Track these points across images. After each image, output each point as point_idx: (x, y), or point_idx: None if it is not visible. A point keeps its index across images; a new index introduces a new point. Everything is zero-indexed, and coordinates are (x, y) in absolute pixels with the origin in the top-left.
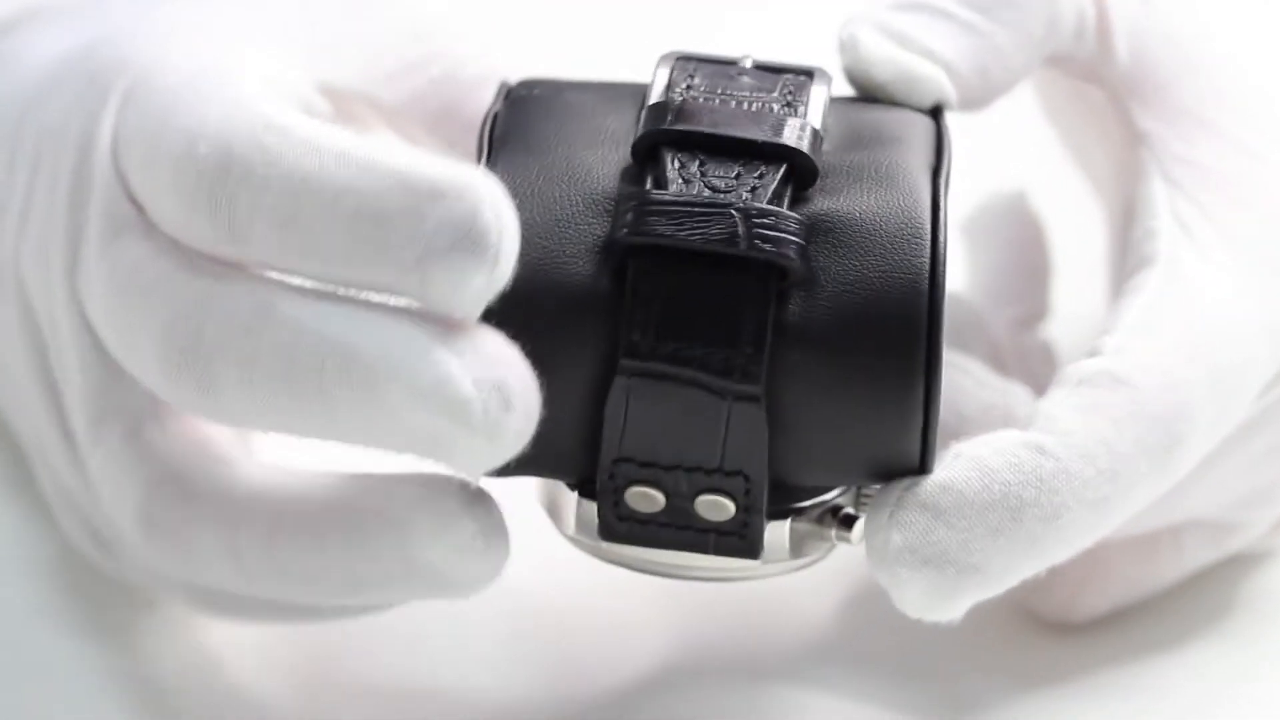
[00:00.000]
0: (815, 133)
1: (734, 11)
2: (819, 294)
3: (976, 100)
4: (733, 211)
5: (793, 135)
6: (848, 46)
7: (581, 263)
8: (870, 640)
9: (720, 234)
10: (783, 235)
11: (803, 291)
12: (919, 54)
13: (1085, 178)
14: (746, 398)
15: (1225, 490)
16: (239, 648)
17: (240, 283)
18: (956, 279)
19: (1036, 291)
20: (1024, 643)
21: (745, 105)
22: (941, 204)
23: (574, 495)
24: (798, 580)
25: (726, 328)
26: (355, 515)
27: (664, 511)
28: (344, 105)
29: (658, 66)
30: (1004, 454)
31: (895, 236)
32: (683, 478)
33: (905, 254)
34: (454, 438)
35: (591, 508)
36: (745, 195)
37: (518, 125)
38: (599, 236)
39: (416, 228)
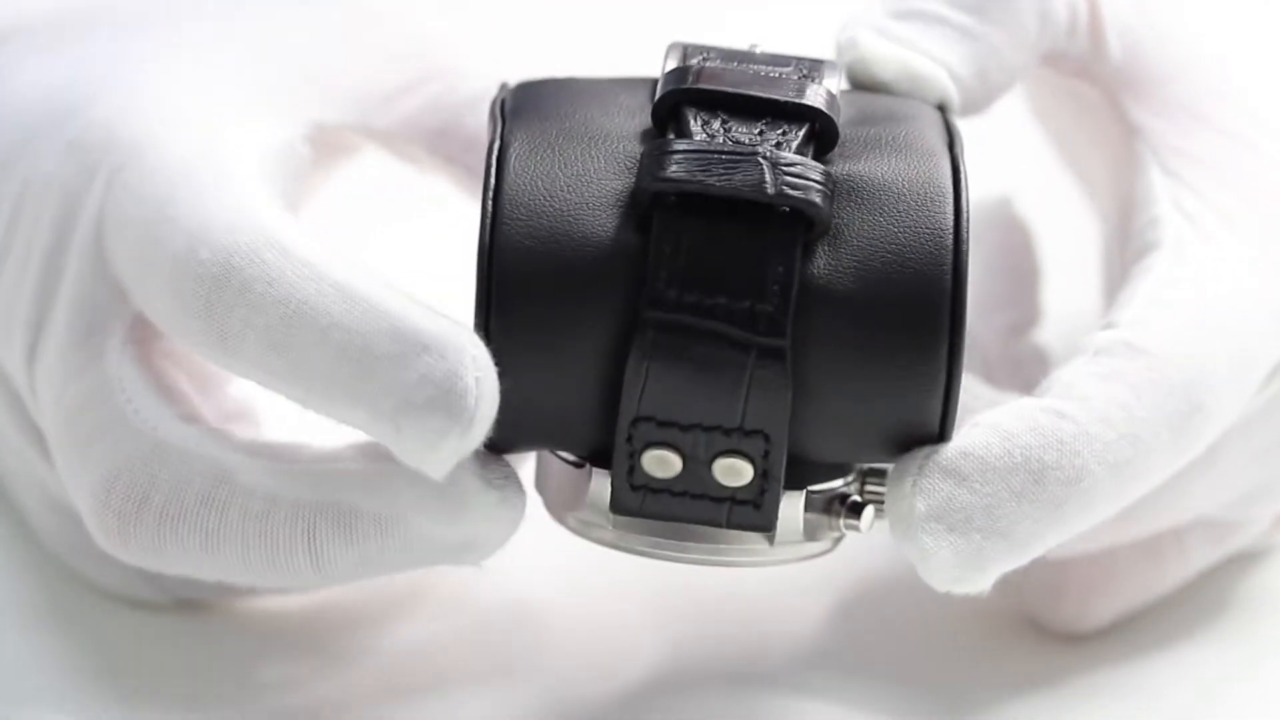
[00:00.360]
0: (834, 97)
1: (733, 13)
2: (843, 250)
3: (978, 103)
4: (760, 159)
5: (814, 97)
6: (848, 47)
7: (605, 216)
8: (866, 646)
9: (747, 180)
10: (810, 183)
11: (827, 247)
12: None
13: (1077, 178)
14: (771, 351)
15: (1227, 487)
16: (227, 657)
17: (194, 442)
18: None
19: (1027, 297)
20: (1019, 646)
21: (764, 74)
22: (961, 167)
23: (581, 473)
24: (793, 585)
25: (752, 279)
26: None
27: (680, 477)
28: (337, 137)
29: (668, 53)
30: (1023, 419)
31: (919, 196)
32: (701, 438)
33: (929, 212)
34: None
35: (603, 483)
36: (770, 148)
37: (530, 101)
38: (621, 192)
39: (397, 378)
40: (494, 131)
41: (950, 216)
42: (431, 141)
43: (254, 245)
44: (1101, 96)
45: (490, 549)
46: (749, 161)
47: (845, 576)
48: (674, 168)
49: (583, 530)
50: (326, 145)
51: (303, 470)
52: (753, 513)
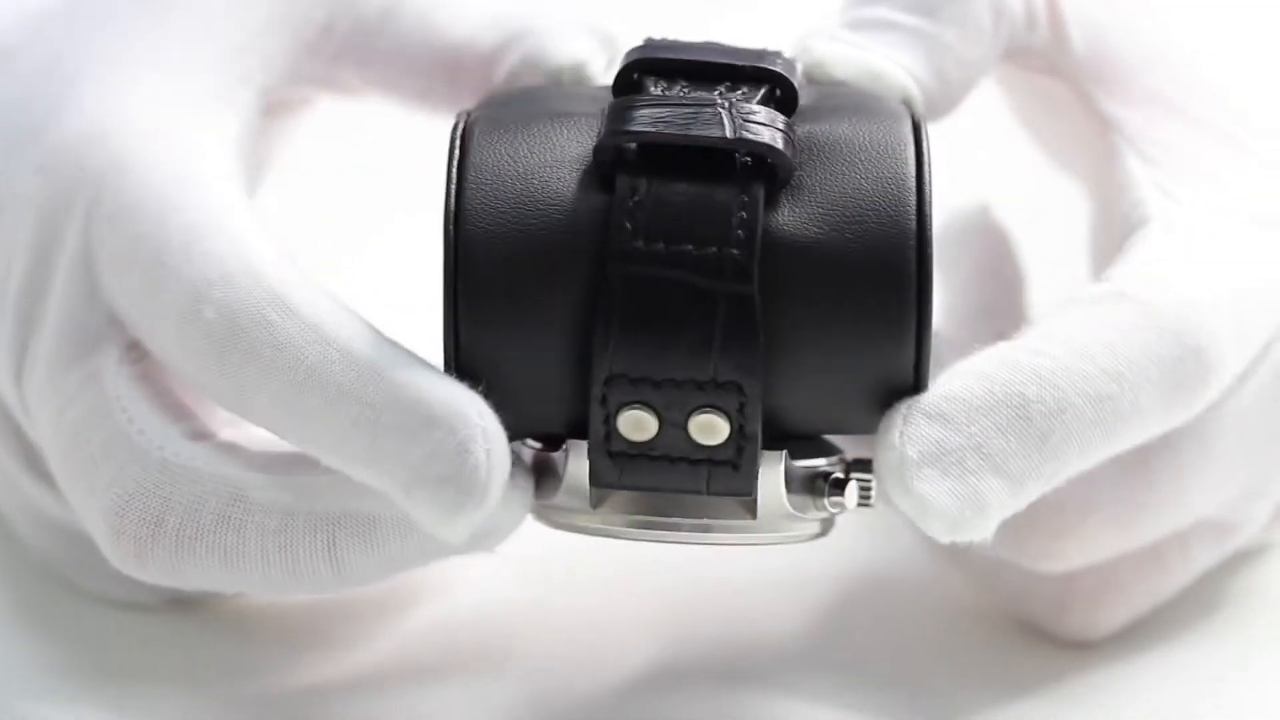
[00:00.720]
0: (793, 63)
1: (716, 23)
2: (808, 201)
3: (939, 103)
4: (719, 108)
5: (773, 62)
6: (801, 54)
7: (569, 176)
8: (856, 645)
9: (707, 128)
10: (771, 128)
11: (791, 198)
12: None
13: (1064, 172)
14: (739, 298)
15: (1226, 485)
16: (217, 655)
17: (204, 461)
18: None
19: (1013, 301)
20: (1011, 644)
21: (724, 47)
22: (923, 124)
23: (557, 456)
24: (783, 586)
25: (717, 225)
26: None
27: (656, 440)
28: (286, 94)
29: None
30: (1000, 358)
31: (881, 148)
32: (675, 395)
33: (892, 162)
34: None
35: (580, 463)
36: (730, 99)
37: (494, 99)
38: (584, 155)
39: (408, 452)
40: (459, 116)
41: (912, 164)
42: (362, 72)
43: (257, 305)
44: (1071, 91)
45: (504, 535)
46: (709, 110)
47: (835, 576)
48: (634, 124)
49: (563, 519)
50: (279, 105)
51: (317, 482)
52: (732, 475)
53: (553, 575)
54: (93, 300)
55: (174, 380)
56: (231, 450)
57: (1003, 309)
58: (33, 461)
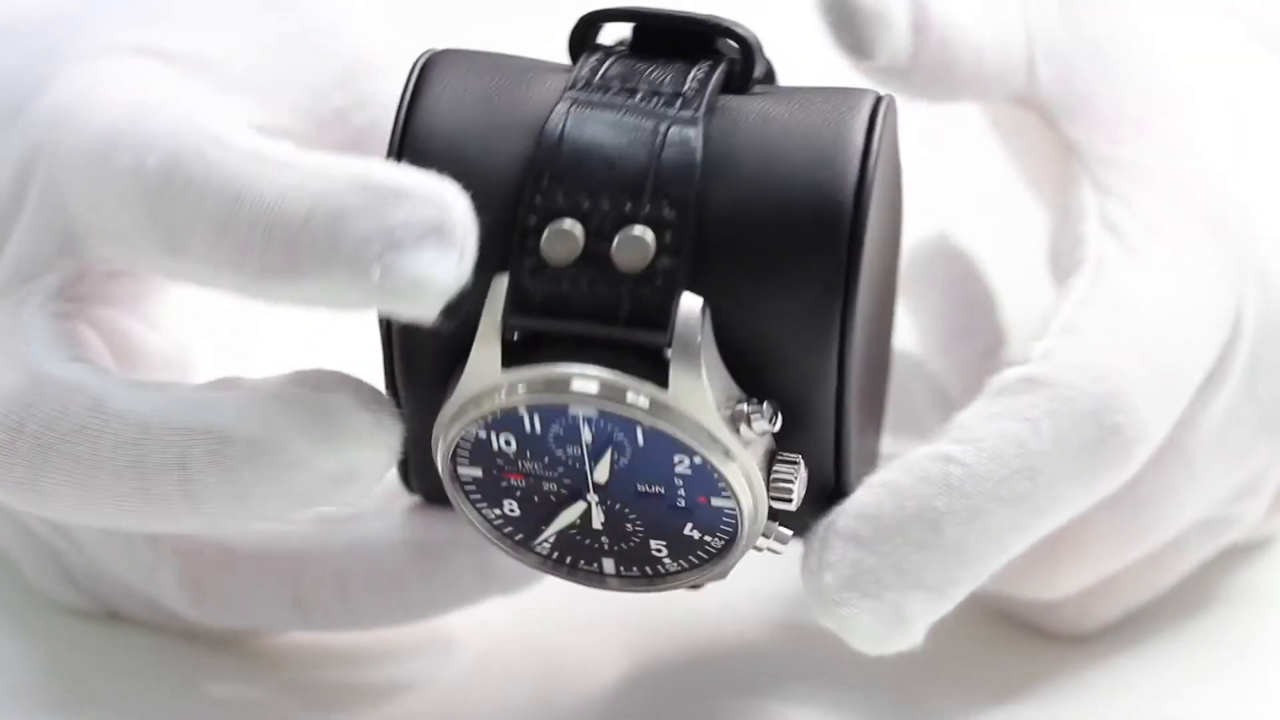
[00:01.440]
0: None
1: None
2: (748, 119)
3: (929, 74)
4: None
5: (733, 23)
6: None
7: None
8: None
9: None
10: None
11: (722, 173)
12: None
13: (1033, 194)
14: (685, 120)
15: (1217, 489)
16: (222, 678)
17: (76, 375)
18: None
19: (987, 321)
20: (1000, 643)
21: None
22: (883, 105)
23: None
24: (762, 586)
25: (674, 76)
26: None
27: (580, 260)
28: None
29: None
30: (912, 470)
31: (830, 117)
32: (607, 204)
33: (838, 131)
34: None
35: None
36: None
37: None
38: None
39: (380, 222)
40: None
41: (860, 143)
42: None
43: (198, 144)
44: (1039, 120)
45: (369, 481)
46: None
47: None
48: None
49: (466, 414)
50: None
51: (177, 397)
52: (650, 297)
53: (524, 604)
54: (51, 226)
55: (100, 333)
56: (109, 370)
57: (979, 330)
58: None
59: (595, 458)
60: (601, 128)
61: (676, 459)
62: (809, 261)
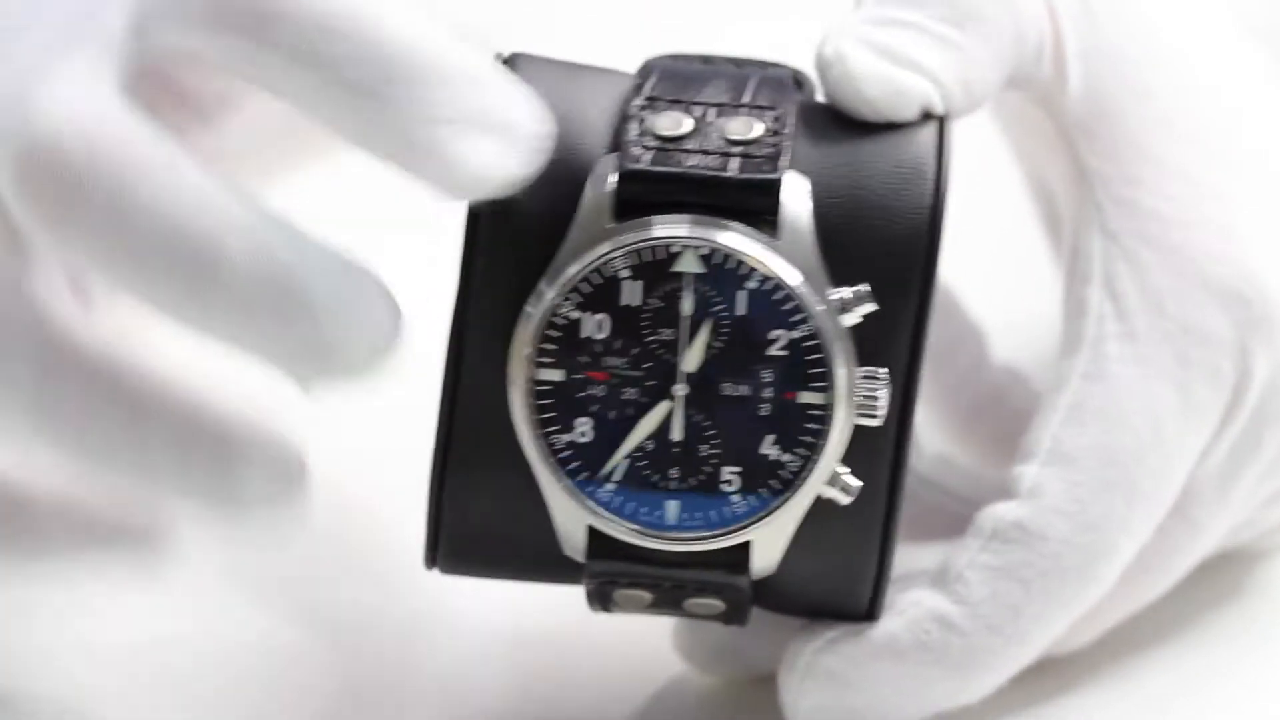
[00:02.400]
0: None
1: (732, 26)
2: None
3: (958, 112)
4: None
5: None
6: (834, 62)
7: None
8: None
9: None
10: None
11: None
12: (907, 67)
13: (1033, 199)
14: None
15: (1224, 529)
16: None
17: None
18: None
19: (961, 322)
20: None
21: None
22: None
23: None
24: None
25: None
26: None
27: (688, 134)
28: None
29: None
30: (914, 630)
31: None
32: (711, 97)
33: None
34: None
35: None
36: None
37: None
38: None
39: (455, 101)
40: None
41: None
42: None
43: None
44: (1057, 132)
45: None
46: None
47: None
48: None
49: (565, 273)
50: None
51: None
52: (760, 159)
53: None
54: None
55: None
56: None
57: (960, 335)
58: None
59: (691, 334)
60: (696, 66)
61: (774, 335)
62: (902, 204)
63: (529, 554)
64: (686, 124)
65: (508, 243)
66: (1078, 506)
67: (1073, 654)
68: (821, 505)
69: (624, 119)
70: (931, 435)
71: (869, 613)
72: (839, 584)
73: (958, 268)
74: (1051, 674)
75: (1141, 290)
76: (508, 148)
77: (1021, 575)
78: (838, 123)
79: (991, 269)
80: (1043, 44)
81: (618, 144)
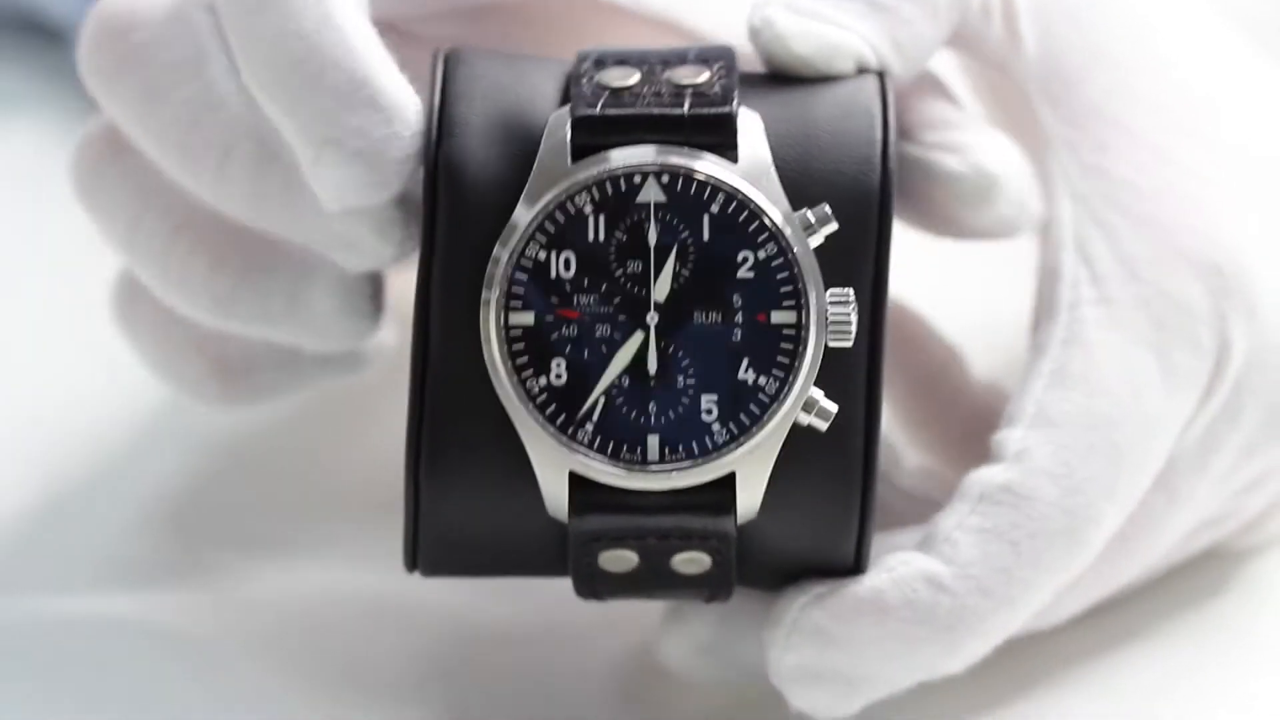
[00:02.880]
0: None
1: None
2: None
3: (896, 71)
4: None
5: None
6: (762, 28)
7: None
8: None
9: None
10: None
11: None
12: (834, 25)
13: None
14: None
15: (1205, 505)
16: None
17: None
18: None
19: (934, 343)
20: None
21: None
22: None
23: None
24: None
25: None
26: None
27: (637, 82)
28: None
29: None
30: (902, 587)
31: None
32: (655, 58)
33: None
34: None
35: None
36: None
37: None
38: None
39: (336, 113)
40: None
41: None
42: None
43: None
44: (1020, 98)
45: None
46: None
47: None
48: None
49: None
50: None
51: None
52: (713, 92)
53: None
54: None
55: None
56: None
57: (937, 359)
58: None
59: (659, 266)
60: (633, 47)
61: (741, 257)
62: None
63: (512, 540)
64: (634, 76)
65: (467, 201)
66: (1064, 470)
67: (1053, 631)
68: (801, 443)
69: (573, 78)
70: (916, 454)
71: (854, 565)
72: (822, 534)
73: (930, 281)
74: (1030, 668)
75: (1114, 255)
76: (364, 172)
77: (1011, 537)
78: (780, 79)
79: (964, 277)
80: (989, 1)
81: (569, 99)
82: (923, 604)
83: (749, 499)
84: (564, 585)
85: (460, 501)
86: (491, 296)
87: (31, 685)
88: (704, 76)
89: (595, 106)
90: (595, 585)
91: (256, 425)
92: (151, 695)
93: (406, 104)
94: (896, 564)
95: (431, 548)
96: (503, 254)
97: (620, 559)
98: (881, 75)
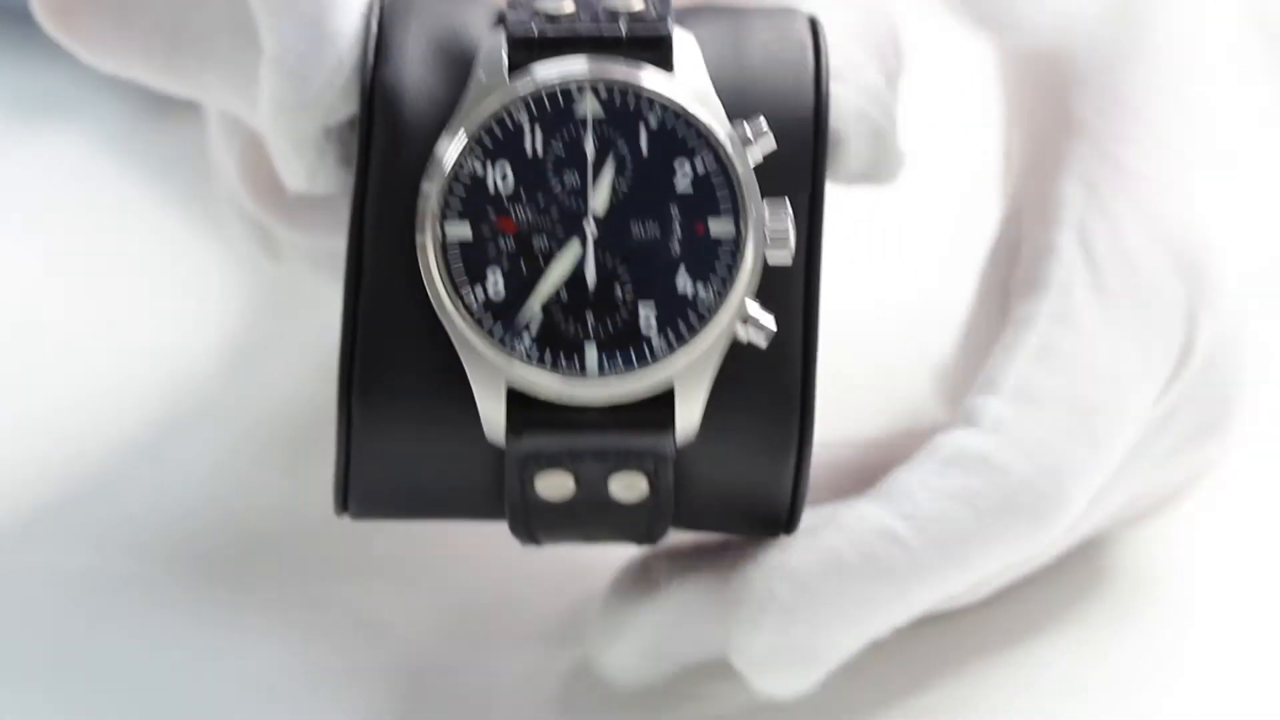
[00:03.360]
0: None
1: None
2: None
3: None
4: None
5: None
6: None
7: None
8: None
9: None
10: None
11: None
12: None
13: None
14: None
15: (1135, 488)
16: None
17: None
18: None
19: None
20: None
21: None
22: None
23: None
24: None
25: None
26: None
27: (574, 12)
28: None
29: None
30: (858, 544)
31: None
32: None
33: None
34: None
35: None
36: None
37: None
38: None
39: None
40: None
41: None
42: None
43: None
44: (1053, 78)
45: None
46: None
47: None
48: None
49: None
50: None
51: None
52: (649, 13)
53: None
54: None
55: None
56: None
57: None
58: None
59: (596, 175)
60: None
61: (679, 166)
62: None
63: (448, 475)
64: (568, 4)
65: (403, 120)
66: (1041, 449)
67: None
68: (740, 364)
69: (510, 5)
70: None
71: (793, 489)
72: (760, 461)
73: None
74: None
75: (1114, 246)
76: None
77: (976, 504)
78: (712, 8)
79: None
80: None
81: (503, 22)
82: (880, 558)
83: (688, 416)
84: (514, 593)
85: (394, 430)
86: (427, 209)
87: (31, 686)
88: (638, 5)
89: (530, 30)
90: (530, 521)
91: (274, 420)
92: (152, 696)
93: (344, 30)
94: (852, 521)
95: (363, 483)
96: (439, 167)
97: (557, 485)
98: (812, 21)
